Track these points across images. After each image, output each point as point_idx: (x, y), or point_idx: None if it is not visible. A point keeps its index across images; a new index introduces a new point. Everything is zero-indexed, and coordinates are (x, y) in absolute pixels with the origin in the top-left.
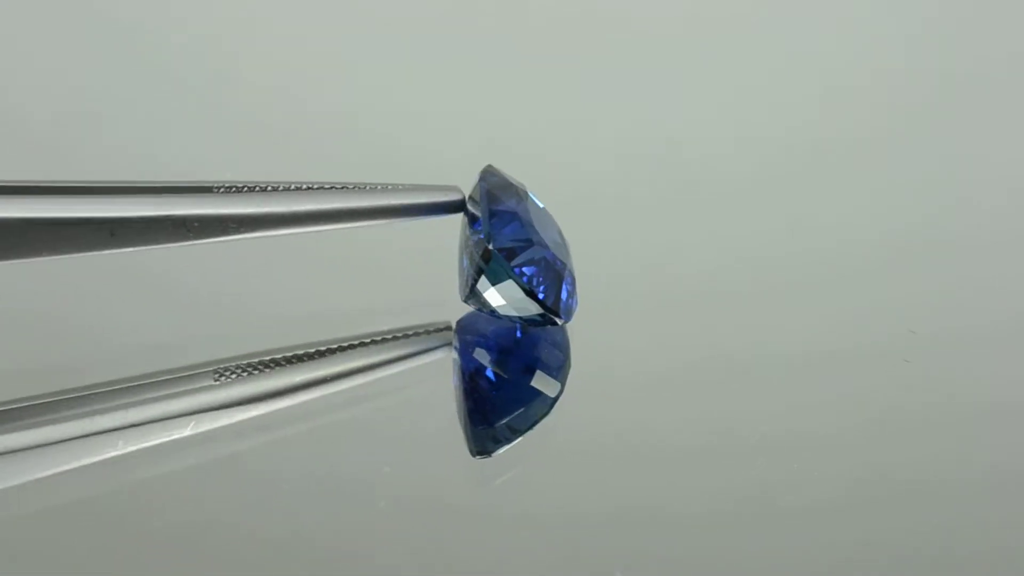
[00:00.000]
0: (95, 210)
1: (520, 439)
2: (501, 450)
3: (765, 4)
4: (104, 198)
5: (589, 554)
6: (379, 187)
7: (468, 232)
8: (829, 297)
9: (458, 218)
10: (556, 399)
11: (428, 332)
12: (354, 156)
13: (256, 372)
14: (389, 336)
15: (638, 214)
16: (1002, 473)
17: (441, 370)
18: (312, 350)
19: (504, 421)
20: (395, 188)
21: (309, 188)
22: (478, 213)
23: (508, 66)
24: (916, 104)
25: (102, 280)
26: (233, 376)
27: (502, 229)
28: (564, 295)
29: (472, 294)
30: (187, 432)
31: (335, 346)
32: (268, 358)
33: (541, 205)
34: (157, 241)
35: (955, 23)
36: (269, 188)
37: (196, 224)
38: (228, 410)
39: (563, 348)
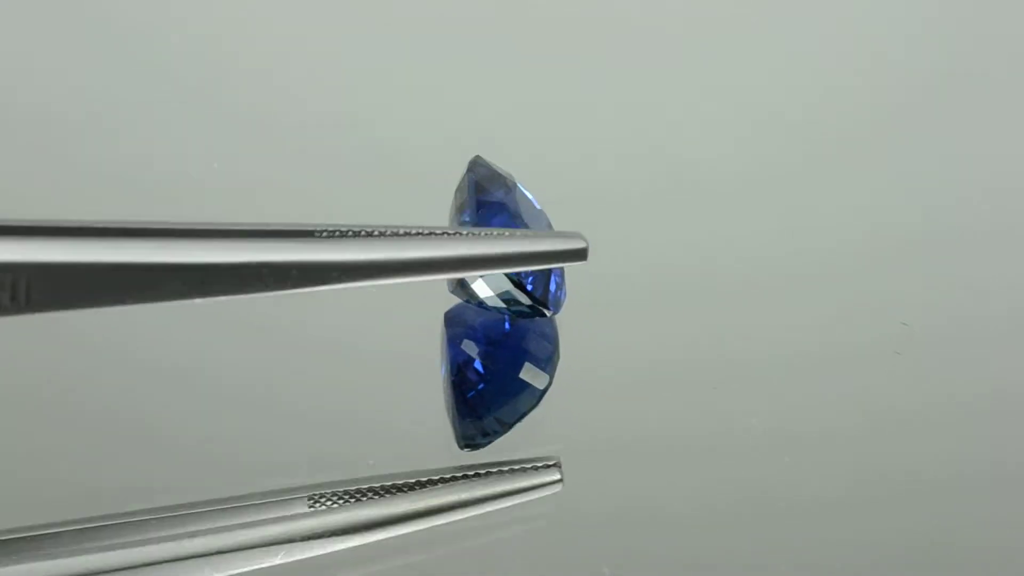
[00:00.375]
0: (185, 256)
1: (509, 432)
2: (489, 443)
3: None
4: (195, 242)
5: (581, 552)
6: (496, 234)
7: (456, 222)
8: (824, 294)
9: None
10: (545, 391)
11: (536, 467)
12: (349, 153)
13: (353, 500)
14: (494, 470)
15: (631, 208)
16: (997, 470)
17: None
18: (413, 480)
19: (493, 414)
20: (512, 235)
21: (419, 234)
22: (466, 203)
23: (504, 63)
24: (911, 102)
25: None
26: (329, 503)
27: (490, 220)
28: (552, 286)
29: (459, 285)
30: (277, 561)
31: (437, 477)
32: (367, 486)
33: (530, 196)
34: (251, 290)
35: (950, 21)
36: (376, 233)
37: (295, 272)
38: (321, 540)
39: (552, 340)
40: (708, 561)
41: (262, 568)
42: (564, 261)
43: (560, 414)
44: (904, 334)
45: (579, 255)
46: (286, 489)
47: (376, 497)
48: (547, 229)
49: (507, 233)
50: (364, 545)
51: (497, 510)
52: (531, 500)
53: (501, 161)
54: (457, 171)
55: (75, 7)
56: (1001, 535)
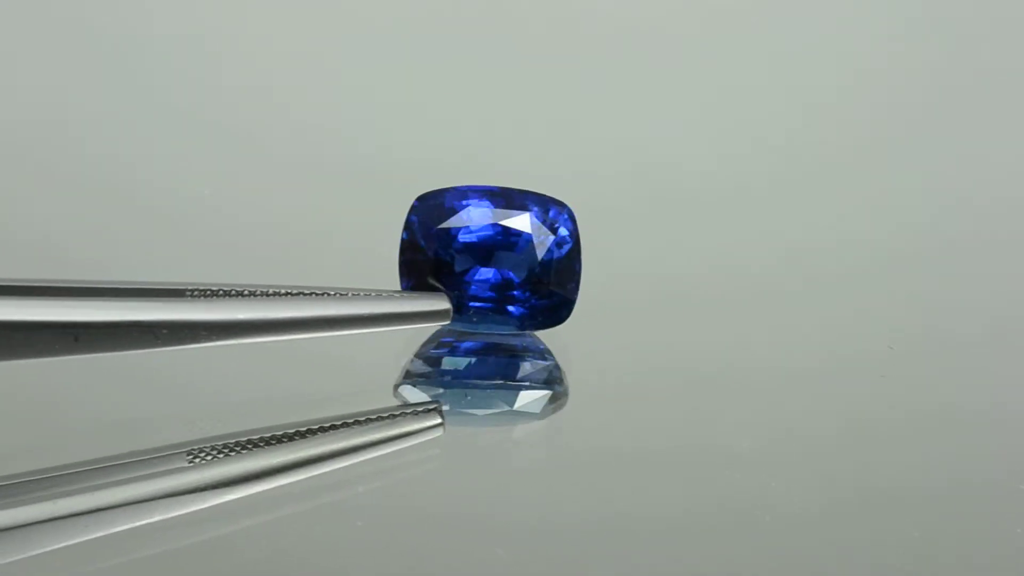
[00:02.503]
0: (58, 314)
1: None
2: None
3: (757, 14)
4: (68, 301)
5: (575, 563)
6: (361, 293)
7: None
8: (819, 305)
9: None
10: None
11: (416, 412)
12: (343, 167)
13: (233, 453)
14: (375, 416)
15: (627, 220)
16: (987, 479)
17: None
18: (292, 431)
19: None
20: (378, 295)
21: (288, 293)
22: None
23: (504, 75)
24: (904, 118)
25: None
26: (209, 458)
27: None
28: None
29: None
30: (157, 517)
31: (316, 427)
32: (246, 439)
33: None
34: (123, 347)
35: (942, 38)
36: (246, 293)
37: (165, 331)
38: (202, 494)
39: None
40: (702, 570)
41: (143, 525)
42: (429, 321)
43: (557, 422)
44: (891, 351)
45: (443, 315)
46: (165, 446)
47: (256, 449)
48: None
49: (372, 293)
50: (247, 497)
51: (382, 456)
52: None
53: (503, 172)
54: (448, 179)
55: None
56: (993, 545)
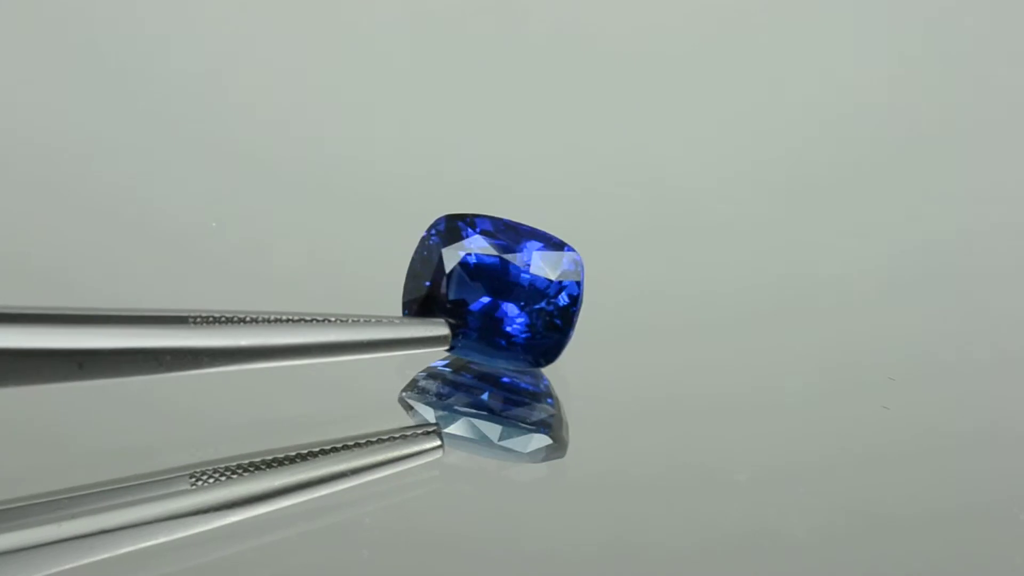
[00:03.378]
0: (62, 341)
1: None
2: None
3: (753, 34)
4: (72, 328)
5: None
6: (361, 319)
7: None
8: (819, 330)
9: None
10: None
11: (416, 434)
12: (348, 191)
13: (235, 476)
14: (375, 439)
15: (626, 245)
16: (983, 505)
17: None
18: (293, 454)
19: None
20: (378, 321)
21: (289, 320)
22: None
23: (495, 98)
24: (902, 141)
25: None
26: (210, 480)
27: None
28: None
29: None
30: (161, 539)
31: (317, 449)
32: (247, 462)
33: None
34: (127, 373)
35: (942, 58)
36: (248, 319)
37: (168, 357)
38: (204, 516)
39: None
40: None
41: (146, 547)
42: (429, 347)
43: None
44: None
45: (442, 341)
46: (167, 469)
47: (257, 471)
48: None
49: (373, 319)
50: (249, 519)
51: (380, 478)
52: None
53: (501, 198)
54: (443, 207)
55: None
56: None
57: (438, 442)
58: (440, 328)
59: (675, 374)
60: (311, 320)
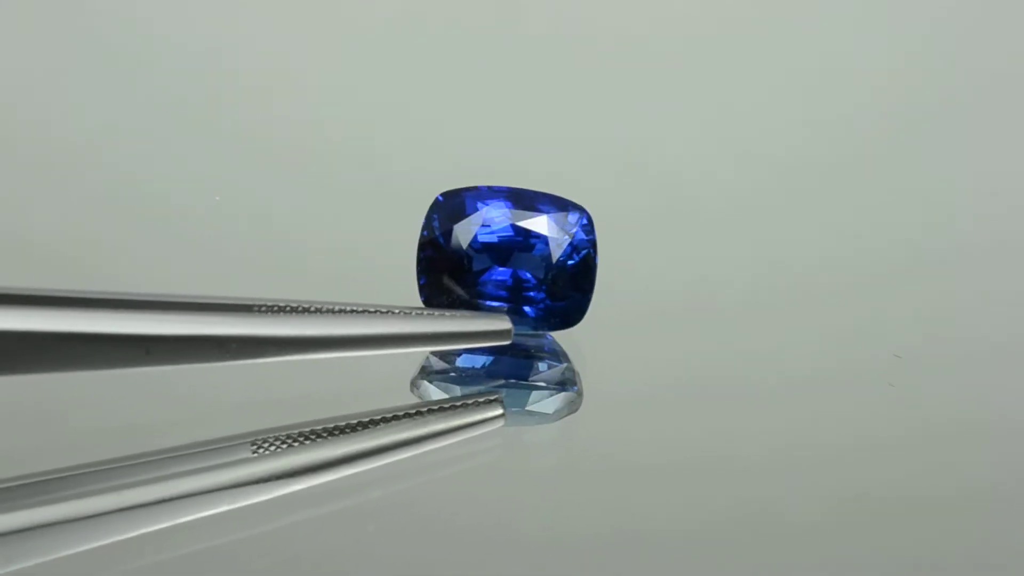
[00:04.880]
0: (131, 327)
1: None
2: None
3: (755, 25)
4: (141, 314)
5: (584, 573)
6: (425, 313)
7: None
8: (835, 313)
9: None
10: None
11: (478, 403)
12: (349, 176)
13: (297, 444)
14: (436, 407)
15: (646, 225)
16: (989, 489)
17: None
18: (355, 422)
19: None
20: (440, 315)
21: (354, 311)
22: None
23: (505, 88)
24: (900, 131)
25: None
26: (272, 448)
27: None
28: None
29: None
30: (223, 508)
31: (379, 417)
32: (308, 430)
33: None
34: (193, 360)
35: (942, 53)
36: (313, 309)
37: (234, 345)
38: (266, 485)
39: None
40: None
41: (208, 515)
42: (490, 341)
43: (570, 426)
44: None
45: (504, 336)
46: (229, 436)
47: (319, 439)
48: None
49: (436, 313)
50: (309, 488)
51: (443, 447)
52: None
53: (521, 174)
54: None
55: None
56: (998, 554)
57: (500, 411)
58: (503, 322)
59: (691, 355)
60: (375, 311)
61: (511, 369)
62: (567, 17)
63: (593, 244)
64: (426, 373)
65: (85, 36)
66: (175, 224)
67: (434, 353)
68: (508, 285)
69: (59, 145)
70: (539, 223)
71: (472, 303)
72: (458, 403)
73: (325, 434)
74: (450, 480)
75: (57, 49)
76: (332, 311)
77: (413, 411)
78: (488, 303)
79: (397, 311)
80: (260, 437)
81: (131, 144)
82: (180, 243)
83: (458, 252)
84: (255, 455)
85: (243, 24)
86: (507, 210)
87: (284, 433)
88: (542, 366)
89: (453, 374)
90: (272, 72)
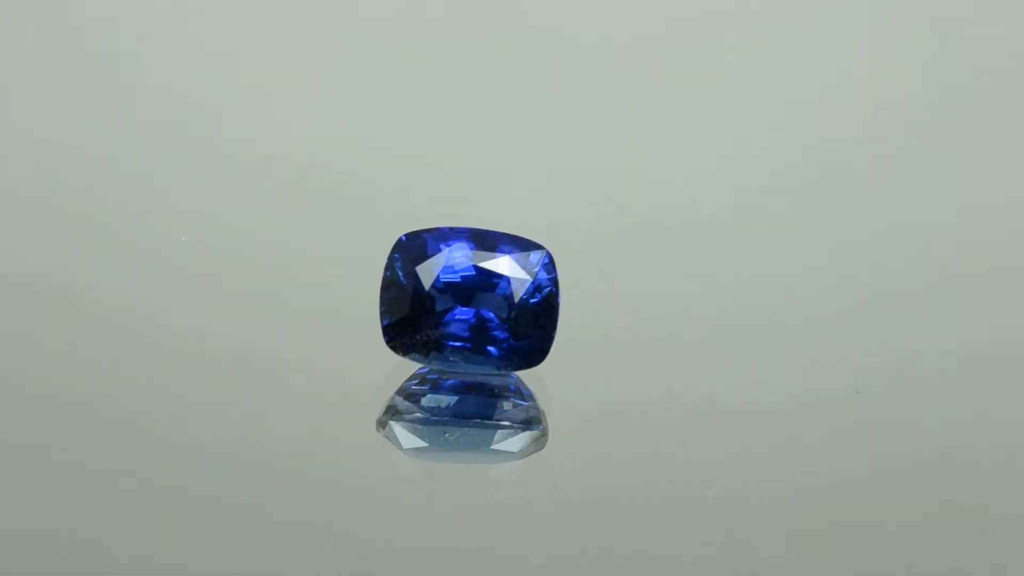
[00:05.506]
0: None
1: None
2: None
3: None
4: None
5: None
6: None
7: None
8: (787, 349)
9: None
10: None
11: None
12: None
13: None
14: None
15: (606, 262)
16: (955, 522)
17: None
18: None
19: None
20: None
21: None
22: None
23: (486, 117)
24: (890, 165)
25: None
26: None
27: None
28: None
29: None
30: None
31: None
32: None
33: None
34: None
35: (938, 85)
36: None
37: None
38: None
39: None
40: None
41: None
42: None
43: (536, 461)
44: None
45: None
46: None
47: None
48: None
49: None
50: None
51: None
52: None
53: (482, 213)
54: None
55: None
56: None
57: None
58: None
59: (655, 390)
60: None
61: (476, 408)
62: (525, 54)
63: (555, 282)
64: (392, 413)
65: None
66: (139, 256)
67: (399, 393)
68: (472, 325)
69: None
70: (501, 263)
71: (436, 344)
72: None
73: None
74: (415, 518)
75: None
76: None
77: None
78: (451, 343)
79: None
80: None
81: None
82: (144, 275)
83: (420, 293)
84: None
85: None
86: (469, 251)
87: None
88: (507, 405)
89: (419, 414)
90: (231, 106)
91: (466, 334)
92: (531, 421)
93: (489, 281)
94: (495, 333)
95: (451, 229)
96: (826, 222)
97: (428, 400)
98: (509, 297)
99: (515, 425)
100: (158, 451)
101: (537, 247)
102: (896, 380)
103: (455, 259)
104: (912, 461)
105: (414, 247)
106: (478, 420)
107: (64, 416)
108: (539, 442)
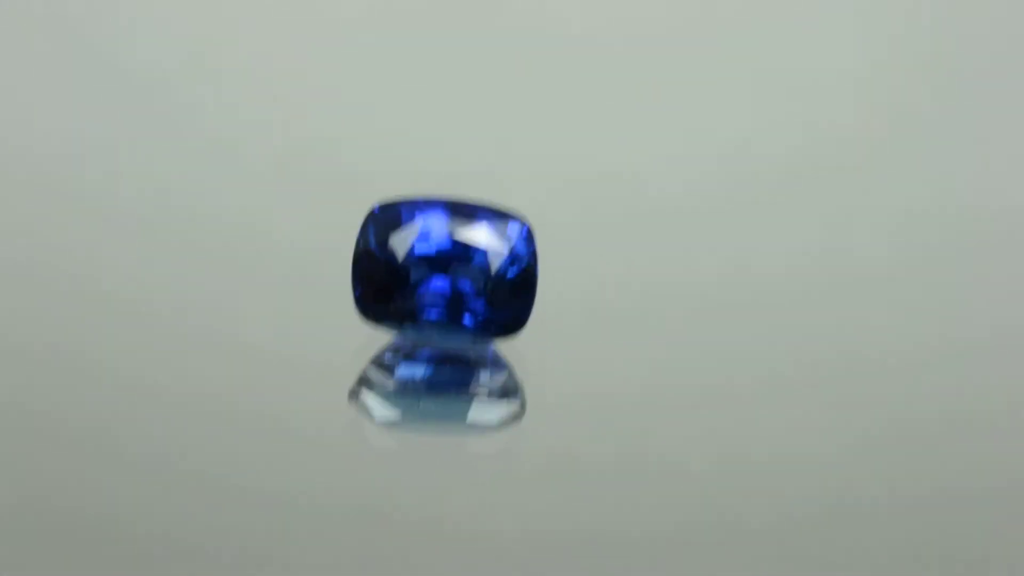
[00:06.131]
0: None
1: None
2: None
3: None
4: None
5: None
6: None
7: None
8: (767, 319)
9: None
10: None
11: None
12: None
13: None
14: None
15: (586, 232)
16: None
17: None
18: None
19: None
20: None
21: None
22: None
23: (460, 82)
24: (864, 133)
25: None
26: None
27: None
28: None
29: None
30: None
31: None
32: None
33: None
34: None
35: (912, 53)
36: None
37: None
38: None
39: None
40: None
41: None
42: None
43: (512, 432)
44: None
45: None
46: None
47: None
48: None
49: None
50: None
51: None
52: None
53: (460, 182)
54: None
55: None
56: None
57: None
58: None
59: (634, 361)
60: None
61: (452, 379)
62: (510, 22)
63: (533, 255)
64: (365, 384)
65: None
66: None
67: (373, 363)
68: (447, 296)
69: None
70: (477, 234)
71: (411, 315)
72: None
73: None
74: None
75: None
76: None
77: None
78: (426, 314)
79: None
80: None
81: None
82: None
83: (394, 263)
84: None
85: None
86: (445, 220)
87: None
88: (484, 376)
89: (393, 385)
90: (211, 70)
91: (441, 305)
92: (508, 392)
93: (465, 253)
94: (471, 305)
95: (426, 199)
96: (808, 192)
97: (403, 370)
98: (485, 269)
99: (493, 396)
100: (123, 410)
101: (516, 217)
102: (874, 353)
103: (430, 229)
104: (895, 433)
105: (388, 216)
106: (454, 391)
107: (35, 372)
108: (516, 414)
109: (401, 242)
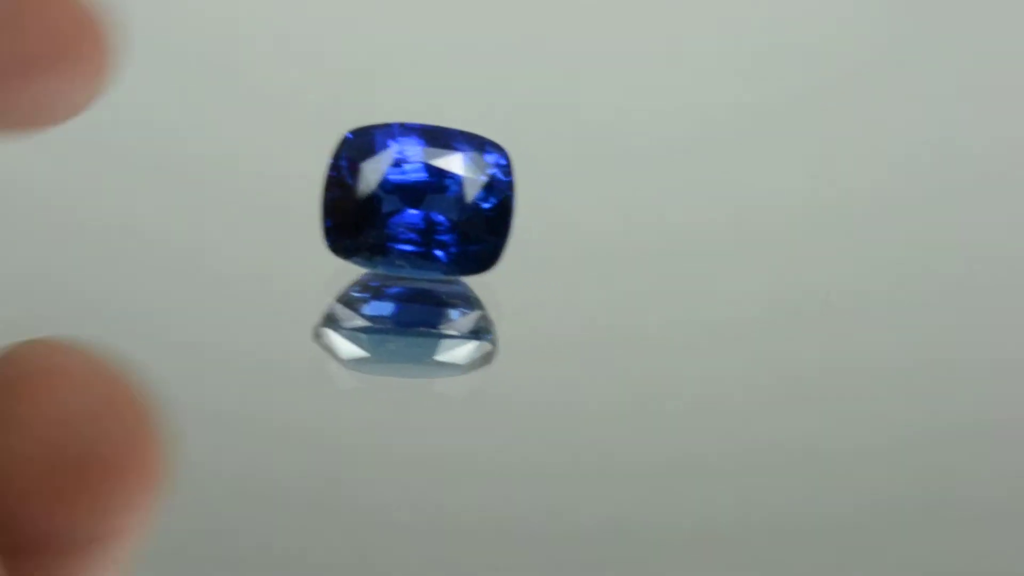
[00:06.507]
0: None
1: None
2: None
3: None
4: None
5: (494, 508)
6: None
7: None
8: (752, 260)
9: None
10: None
11: None
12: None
13: None
14: None
15: (565, 168)
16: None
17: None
18: None
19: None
20: None
21: None
22: None
23: (421, 17)
24: (834, 79)
25: None
26: None
27: None
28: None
29: None
30: None
31: None
32: None
33: None
34: None
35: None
36: None
37: None
38: None
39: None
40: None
41: None
42: None
43: (483, 372)
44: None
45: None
46: None
47: None
48: None
49: None
50: None
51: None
52: None
53: (437, 110)
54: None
55: None
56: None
57: None
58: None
59: (607, 301)
60: None
61: (422, 317)
62: None
63: (511, 186)
64: (330, 321)
65: None
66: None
67: (338, 300)
68: (419, 228)
69: None
70: (454, 162)
71: (381, 248)
72: None
73: None
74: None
75: None
76: None
77: None
78: (398, 247)
79: None
80: None
81: None
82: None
83: (366, 193)
84: None
85: None
86: (420, 148)
87: None
88: (455, 314)
89: (359, 322)
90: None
91: (413, 237)
92: (480, 331)
93: (440, 182)
94: (444, 237)
95: (401, 125)
96: (795, 126)
97: (370, 308)
98: (461, 199)
99: (463, 335)
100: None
101: (495, 147)
102: (862, 290)
103: (405, 157)
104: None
105: (361, 143)
106: (422, 329)
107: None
108: (488, 354)
109: (373, 170)
